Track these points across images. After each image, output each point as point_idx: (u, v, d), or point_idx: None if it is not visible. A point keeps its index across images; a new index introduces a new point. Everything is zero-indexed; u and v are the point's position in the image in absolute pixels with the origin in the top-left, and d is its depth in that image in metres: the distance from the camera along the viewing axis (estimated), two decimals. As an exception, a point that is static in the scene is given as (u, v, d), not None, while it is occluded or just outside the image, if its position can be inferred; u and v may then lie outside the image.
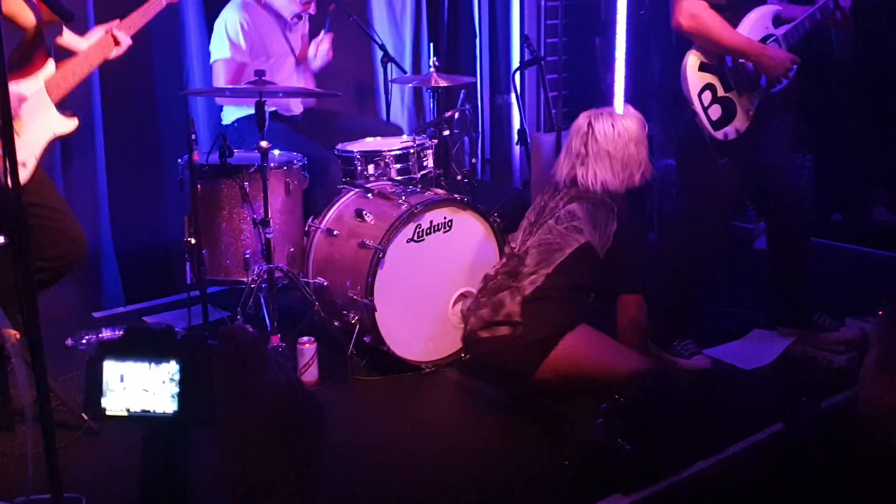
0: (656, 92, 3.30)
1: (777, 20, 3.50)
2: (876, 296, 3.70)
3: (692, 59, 3.42)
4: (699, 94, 3.42)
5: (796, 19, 3.47)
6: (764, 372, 3.52)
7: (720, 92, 3.45)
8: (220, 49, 4.18)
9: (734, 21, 3.43)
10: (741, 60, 3.42)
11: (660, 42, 3.83)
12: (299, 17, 4.34)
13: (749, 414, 3.22)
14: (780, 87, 3.48)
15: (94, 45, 3.10)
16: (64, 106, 3.02)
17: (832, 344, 3.61)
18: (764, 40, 3.49)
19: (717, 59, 3.45)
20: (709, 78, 3.44)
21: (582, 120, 3.34)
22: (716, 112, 3.44)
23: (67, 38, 3.10)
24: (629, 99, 5.15)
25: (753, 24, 3.47)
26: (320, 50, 4.42)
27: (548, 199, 3.32)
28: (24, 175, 2.73)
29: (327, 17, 4.44)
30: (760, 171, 3.58)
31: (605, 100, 5.27)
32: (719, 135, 3.45)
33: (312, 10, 4.33)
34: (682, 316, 3.65)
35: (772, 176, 3.61)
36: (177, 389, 1.98)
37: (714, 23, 3.35)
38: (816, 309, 3.74)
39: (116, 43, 3.15)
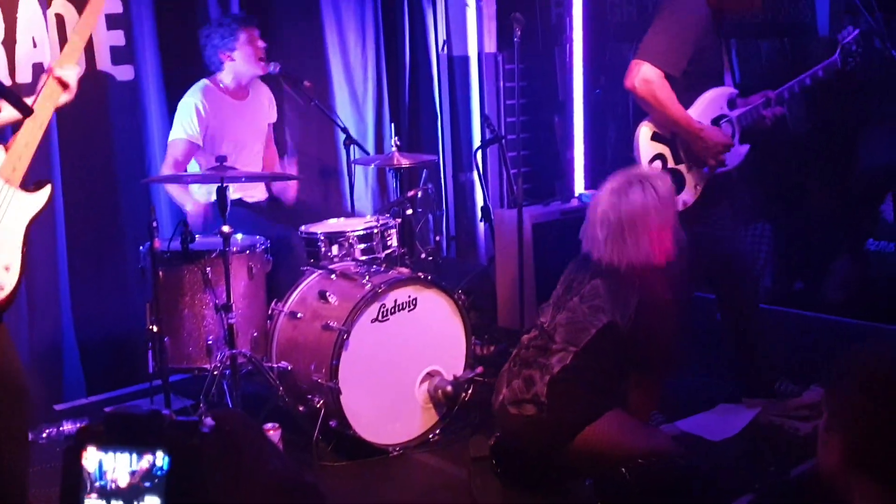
0: (609, 160, 3.38)
1: (732, 103, 3.61)
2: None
3: (645, 129, 3.53)
4: (649, 163, 3.52)
5: (751, 104, 3.59)
6: (731, 443, 3.51)
7: (670, 163, 3.54)
8: (174, 130, 4.22)
9: (690, 97, 3.53)
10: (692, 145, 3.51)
11: (616, 120, 3.93)
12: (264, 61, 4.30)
13: (718, 486, 3.19)
14: (726, 168, 3.57)
15: (37, 102, 2.67)
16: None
17: (797, 409, 3.61)
18: (717, 119, 3.59)
19: (669, 131, 3.54)
20: (660, 148, 3.54)
21: (613, 195, 3.03)
22: None
23: (4, 112, 2.71)
24: (589, 174, 5.26)
25: (709, 103, 3.58)
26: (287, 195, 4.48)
27: (575, 272, 3.19)
28: (12, 279, 2.60)
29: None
30: (709, 241, 3.64)
31: (567, 175, 5.38)
32: None
33: (274, 68, 4.35)
34: None
35: (720, 247, 3.67)
36: (164, 482, 1.79)
37: (664, 92, 3.45)
38: (777, 376, 3.77)
39: (64, 85, 2.69)
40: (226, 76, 4.29)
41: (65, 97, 2.73)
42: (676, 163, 3.55)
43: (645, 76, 3.45)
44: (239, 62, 4.26)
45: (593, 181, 5.26)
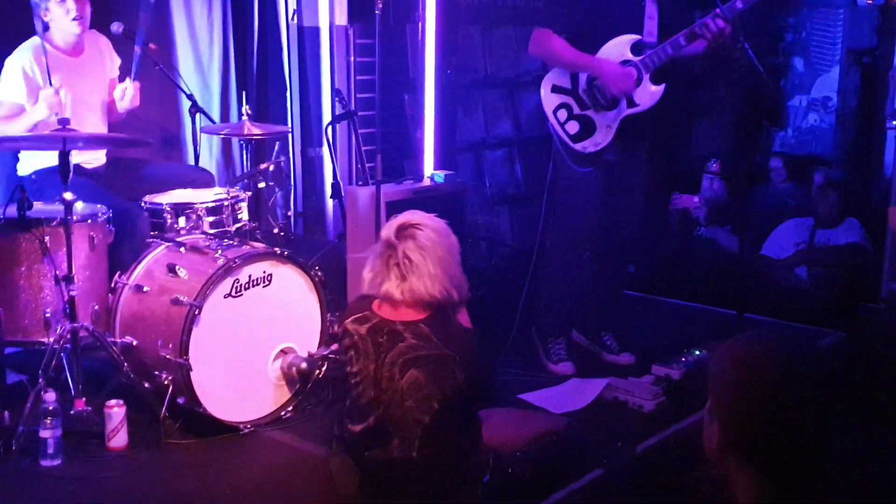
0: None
1: (637, 48, 3.78)
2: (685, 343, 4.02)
3: (545, 83, 3.87)
4: (554, 112, 3.84)
5: (657, 47, 3.75)
6: (577, 418, 3.62)
7: (576, 110, 3.84)
8: (1, 90, 3.93)
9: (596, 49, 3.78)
10: (596, 82, 3.77)
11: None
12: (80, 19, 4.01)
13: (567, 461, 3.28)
14: (638, 109, 3.79)
15: None
16: None
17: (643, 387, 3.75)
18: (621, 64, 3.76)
19: (570, 81, 3.83)
20: (562, 98, 3.84)
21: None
22: (573, 127, 3.84)
23: None
24: (439, 154, 5.28)
25: (608, 51, 3.78)
26: (126, 94, 4.21)
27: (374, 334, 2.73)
28: None
29: (132, 61, 4.24)
30: (612, 208, 3.98)
31: (416, 155, 5.38)
32: (578, 147, 3.83)
33: (85, 26, 4.06)
34: (557, 318, 4.13)
35: (615, 213, 4.00)
36: None
37: (554, 45, 3.77)
38: (607, 329, 4.19)
39: None
40: (55, 34, 4.02)
41: None
42: (582, 109, 3.83)
43: (535, 39, 3.84)
44: (55, 20, 3.99)
45: (443, 162, 5.28)
